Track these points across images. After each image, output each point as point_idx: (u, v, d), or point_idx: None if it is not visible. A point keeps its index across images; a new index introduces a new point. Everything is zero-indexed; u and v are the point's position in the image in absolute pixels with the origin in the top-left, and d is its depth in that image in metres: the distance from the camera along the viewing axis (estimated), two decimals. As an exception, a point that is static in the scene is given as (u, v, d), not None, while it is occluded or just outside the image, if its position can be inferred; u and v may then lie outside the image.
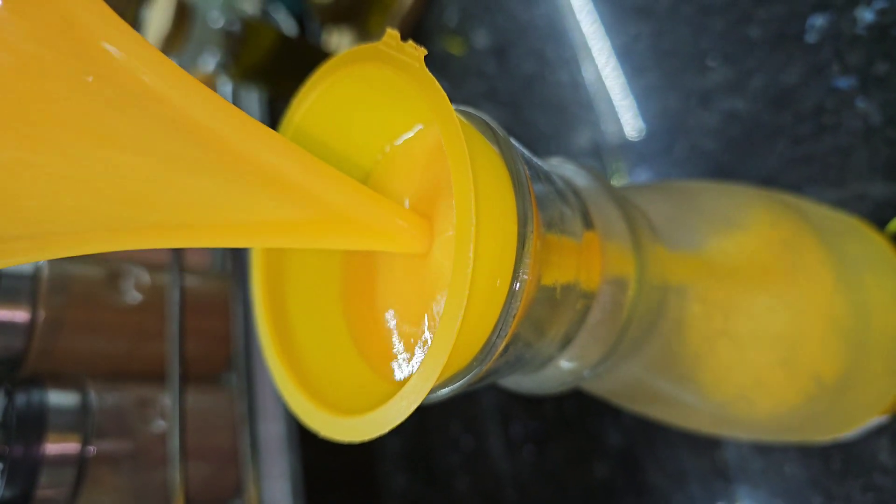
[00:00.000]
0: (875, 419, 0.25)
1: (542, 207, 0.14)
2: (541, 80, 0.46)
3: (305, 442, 0.51)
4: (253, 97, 0.63)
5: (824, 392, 0.20)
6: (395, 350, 0.14)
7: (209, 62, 0.50)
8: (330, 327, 0.16)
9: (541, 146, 0.44)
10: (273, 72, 0.58)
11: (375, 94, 0.15)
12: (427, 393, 0.11)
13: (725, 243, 0.18)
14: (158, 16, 0.49)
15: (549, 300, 0.14)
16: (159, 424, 0.29)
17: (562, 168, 0.16)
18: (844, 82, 0.31)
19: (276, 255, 0.17)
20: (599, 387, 0.19)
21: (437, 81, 0.12)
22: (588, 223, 0.15)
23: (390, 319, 0.14)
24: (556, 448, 0.40)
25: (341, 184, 0.13)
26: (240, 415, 0.31)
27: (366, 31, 0.60)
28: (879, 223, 0.28)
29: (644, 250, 0.16)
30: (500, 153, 0.13)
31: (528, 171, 0.13)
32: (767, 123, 0.33)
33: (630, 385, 0.18)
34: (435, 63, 0.55)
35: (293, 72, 0.59)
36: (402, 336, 0.14)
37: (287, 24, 0.60)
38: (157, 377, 0.31)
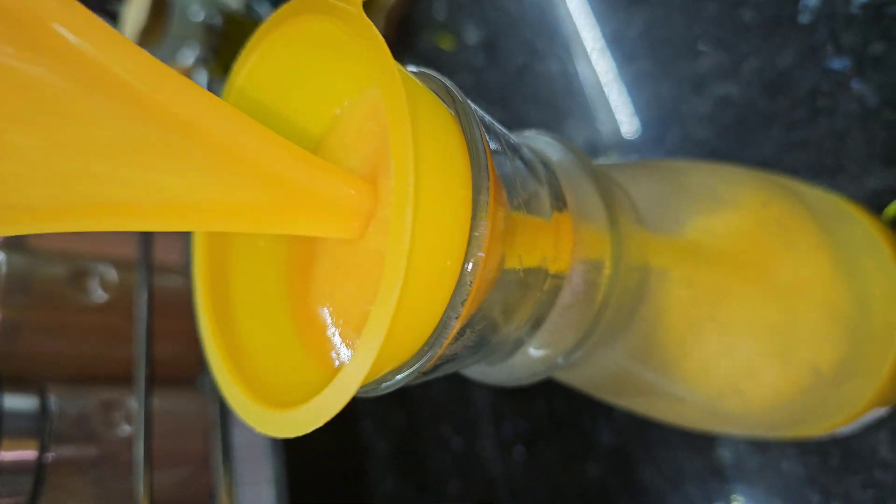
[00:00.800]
0: (874, 412, 0.23)
1: (507, 181, 0.13)
2: (532, 73, 0.45)
3: (291, 446, 0.49)
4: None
5: (821, 383, 0.19)
6: (335, 341, 0.13)
7: (188, 56, 0.48)
8: (274, 319, 0.15)
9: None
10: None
11: (320, 50, 0.13)
12: (359, 383, 0.10)
13: (714, 223, 0.17)
14: (135, 9, 0.48)
15: (514, 281, 0.12)
16: (125, 429, 0.28)
17: (535, 140, 0.15)
18: (839, 63, 0.29)
19: (220, 242, 0.15)
20: (580, 378, 0.17)
21: (375, 28, 0.11)
22: (559, 199, 0.14)
23: (332, 308, 0.13)
24: (548, 448, 0.39)
25: (282, 149, 0.11)
26: (211, 419, 0.30)
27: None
28: (878, 208, 0.26)
29: (622, 230, 0.14)
30: (457, 118, 0.12)
31: (487, 139, 0.12)
32: (762, 109, 0.32)
33: (613, 376, 0.17)
34: (425, 58, 0.54)
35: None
36: (343, 326, 0.13)
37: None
38: (125, 380, 0.29)
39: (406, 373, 0.12)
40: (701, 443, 0.32)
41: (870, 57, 0.29)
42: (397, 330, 0.10)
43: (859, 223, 0.19)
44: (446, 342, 0.11)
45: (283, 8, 0.13)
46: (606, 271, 0.14)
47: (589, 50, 0.41)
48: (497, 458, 0.44)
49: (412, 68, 0.13)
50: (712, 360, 0.17)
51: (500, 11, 0.49)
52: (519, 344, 0.14)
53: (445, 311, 0.11)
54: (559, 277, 0.13)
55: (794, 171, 0.30)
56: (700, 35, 0.35)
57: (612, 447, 0.36)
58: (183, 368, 0.33)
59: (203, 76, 0.49)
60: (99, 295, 0.31)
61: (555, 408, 0.39)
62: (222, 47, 0.51)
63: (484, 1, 0.51)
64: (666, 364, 0.17)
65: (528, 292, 0.13)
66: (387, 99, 0.10)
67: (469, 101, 0.13)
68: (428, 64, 0.52)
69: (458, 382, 0.46)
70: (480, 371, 0.15)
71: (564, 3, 0.44)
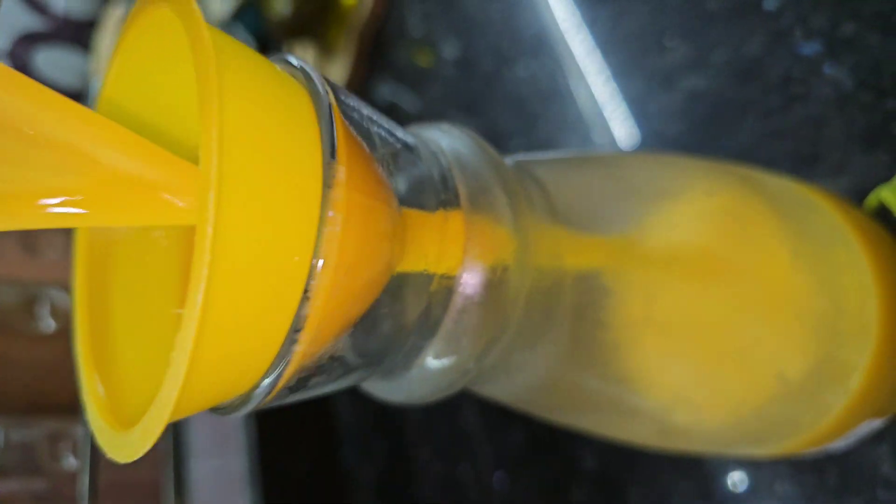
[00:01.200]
0: (866, 424, 0.21)
1: (385, 172, 0.11)
2: (500, 79, 0.44)
3: (270, 476, 0.47)
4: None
5: (790, 391, 0.17)
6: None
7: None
8: (155, 333, 0.13)
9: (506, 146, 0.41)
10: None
11: (172, 46, 0.12)
12: (172, 402, 0.08)
13: (649, 216, 0.15)
14: (107, 41, 0.48)
15: (389, 282, 0.11)
16: (71, 462, 0.27)
17: (434, 132, 0.14)
18: (809, 48, 0.28)
19: (103, 253, 0.14)
20: (512, 392, 0.16)
21: (193, 2, 0.09)
22: (449, 194, 0.12)
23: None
24: (529, 476, 0.37)
25: (98, 129, 0.10)
26: (163, 449, 0.28)
27: (327, 45, 0.58)
28: (859, 197, 0.24)
29: (530, 227, 0.13)
30: (313, 102, 0.11)
31: (340, 115, 0.10)
32: (733, 99, 0.30)
33: (546, 387, 0.15)
34: (405, 76, 0.52)
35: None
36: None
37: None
38: (73, 410, 0.28)
39: (260, 389, 0.10)
40: (689, 464, 0.30)
41: (840, 39, 0.27)
42: (216, 341, 0.09)
43: (828, 214, 0.17)
44: (297, 354, 0.10)
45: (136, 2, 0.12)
46: (509, 272, 0.12)
47: (559, 51, 0.39)
48: (477, 484, 0.41)
49: (287, 57, 0.12)
50: (653, 366, 0.15)
51: (469, 20, 0.48)
52: (412, 353, 0.12)
53: (294, 319, 0.10)
54: (448, 278, 0.12)
55: (770, 162, 0.29)
56: (666, 28, 0.33)
57: (597, 472, 0.34)
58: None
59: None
60: (48, 324, 0.30)
61: (534, 432, 0.37)
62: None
63: (454, 11, 0.49)
64: (601, 372, 0.15)
65: (409, 295, 0.11)
66: (197, 70, 0.09)
67: (339, 88, 0.12)
68: (410, 82, 0.51)
69: (440, 407, 0.44)
70: (379, 387, 0.13)
71: (543, 9, 0.42)
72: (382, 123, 0.12)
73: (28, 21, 0.46)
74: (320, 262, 0.09)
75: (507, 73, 0.43)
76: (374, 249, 0.11)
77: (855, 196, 0.25)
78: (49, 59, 0.46)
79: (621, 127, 0.35)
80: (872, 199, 0.24)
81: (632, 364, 0.15)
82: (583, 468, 0.34)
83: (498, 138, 0.43)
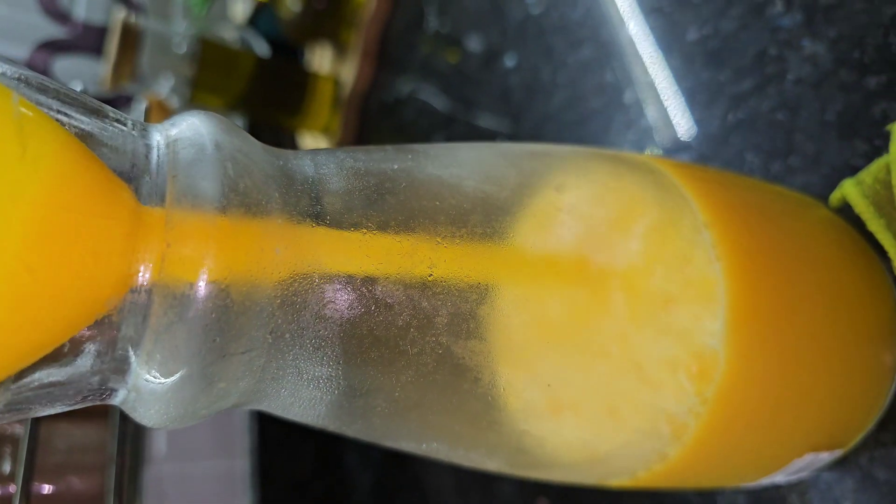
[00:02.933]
0: (809, 456, 0.18)
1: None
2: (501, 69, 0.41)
3: (271, 479, 0.47)
4: (238, 125, 0.62)
5: (622, 424, 0.14)
6: None
7: (163, 86, 0.49)
8: None
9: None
10: (255, 98, 0.56)
11: None
12: None
13: (441, 206, 0.13)
14: (112, 46, 0.49)
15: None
16: (5, 468, 0.27)
17: (171, 120, 0.12)
18: (788, 20, 0.24)
19: None
20: (351, 423, 0.14)
21: None
22: (148, 188, 0.10)
23: None
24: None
25: None
26: (109, 453, 0.28)
27: (341, 44, 0.57)
28: (832, 189, 0.21)
29: (272, 228, 0.11)
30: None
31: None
32: (704, 82, 0.27)
33: (398, 415, 0.13)
34: (434, 73, 0.51)
35: (277, 96, 0.58)
36: None
37: (261, 48, 0.59)
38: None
39: None
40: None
41: (822, 7, 0.23)
42: None
43: (689, 209, 0.14)
44: None
45: None
46: (230, 285, 0.11)
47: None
48: (479, 489, 0.39)
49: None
50: (499, 392, 0.13)
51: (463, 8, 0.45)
52: (122, 373, 0.11)
53: None
54: (140, 291, 0.10)
55: (740, 152, 0.25)
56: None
57: None
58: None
59: (177, 104, 0.49)
60: None
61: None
62: (199, 75, 0.51)
63: (472, 5, 0.47)
64: (447, 397, 0.13)
65: (76, 309, 0.10)
66: None
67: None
68: (437, 78, 0.49)
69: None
70: (136, 410, 0.12)
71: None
72: (68, 111, 0.10)
73: (48, 29, 0.48)
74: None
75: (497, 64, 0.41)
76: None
77: (829, 189, 0.21)
78: (67, 66, 0.48)
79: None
80: (837, 196, 0.20)
81: (477, 390, 0.13)
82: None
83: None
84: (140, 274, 0.10)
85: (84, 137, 0.10)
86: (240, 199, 0.11)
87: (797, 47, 0.24)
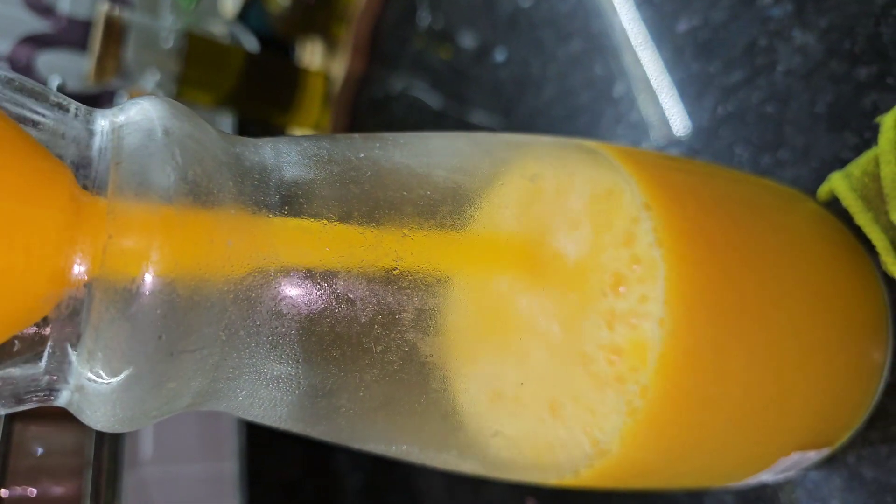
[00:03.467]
0: (796, 455, 0.17)
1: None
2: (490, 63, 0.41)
3: (259, 481, 0.47)
4: (227, 122, 0.62)
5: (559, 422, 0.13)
6: None
7: (148, 81, 0.48)
8: None
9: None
10: (245, 94, 0.56)
11: None
12: None
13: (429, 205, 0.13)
14: (96, 39, 0.48)
15: None
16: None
17: (119, 107, 0.11)
18: (779, 10, 0.24)
19: None
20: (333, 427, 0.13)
21: None
22: (90, 176, 0.10)
23: None
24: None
25: None
26: (87, 456, 0.28)
27: (332, 39, 0.57)
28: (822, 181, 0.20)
29: (227, 219, 0.10)
30: None
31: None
32: (694, 74, 0.26)
33: (368, 415, 0.13)
34: (425, 68, 0.50)
35: (267, 92, 0.57)
36: None
37: (251, 43, 0.58)
38: None
39: None
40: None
41: (812, -3, 0.23)
42: None
43: (631, 191, 0.14)
44: None
45: None
46: (184, 276, 0.10)
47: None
48: (473, 488, 0.39)
49: None
50: (462, 387, 0.12)
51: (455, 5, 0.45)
52: (65, 374, 0.10)
53: None
54: (79, 286, 0.09)
55: (729, 146, 0.25)
56: (632, -1, 0.30)
57: None
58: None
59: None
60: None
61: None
62: (186, 71, 0.50)
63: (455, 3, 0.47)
64: (416, 394, 0.12)
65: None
66: None
67: None
68: (429, 74, 0.49)
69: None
70: (83, 413, 0.11)
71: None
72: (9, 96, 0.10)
73: (32, 23, 0.47)
74: None
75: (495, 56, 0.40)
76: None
77: (819, 182, 0.21)
78: (51, 61, 0.47)
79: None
80: (825, 189, 0.20)
81: (445, 388, 0.12)
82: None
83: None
84: (78, 267, 0.10)
85: (22, 121, 0.10)
86: (188, 188, 0.10)
87: (787, 38, 0.23)
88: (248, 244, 0.11)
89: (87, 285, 0.10)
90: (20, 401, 0.10)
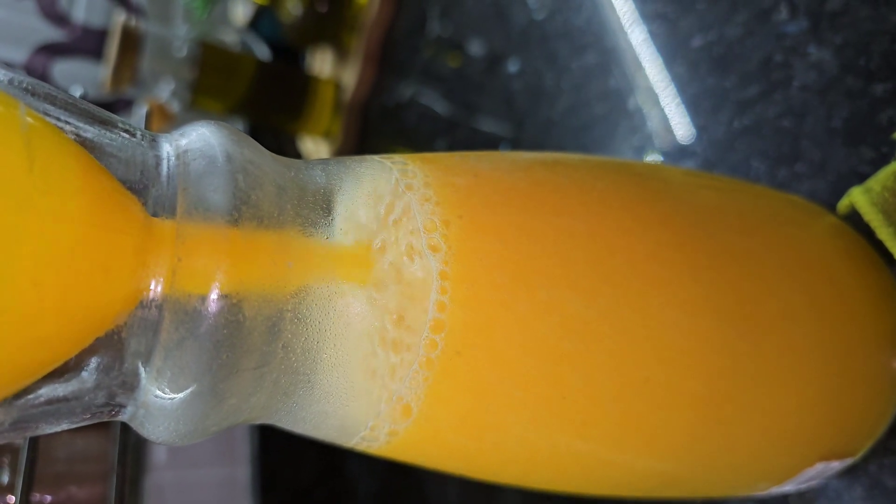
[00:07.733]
0: (820, 465, 0.18)
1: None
2: (502, 74, 0.41)
3: (273, 485, 0.47)
4: (238, 129, 0.62)
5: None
6: None
7: (164, 90, 0.48)
8: None
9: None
10: (256, 102, 0.56)
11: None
12: None
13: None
14: (112, 48, 0.48)
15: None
16: (2, 479, 0.27)
17: (180, 131, 0.12)
18: (794, 27, 0.24)
19: None
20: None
21: None
22: (158, 200, 0.10)
23: None
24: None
25: None
26: (110, 462, 0.28)
27: (343, 48, 0.57)
28: (840, 196, 0.21)
29: (273, 243, 0.11)
30: None
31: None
32: (710, 88, 0.27)
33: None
34: (436, 77, 0.50)
35: (278, 100, 0.57)
36: None
37: (262, 51, 0.59)
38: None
39: None
40: None
41: (827, 14, 0.23)
42: None
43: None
44: None
45: None
46: (249, 296, 0.10)
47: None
48: (483, 493, 0.39)
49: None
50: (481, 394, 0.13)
51: (465, 13, 0.45)
52: (130, 390, 0.10)
53: None
54: (150, 306, 0.10)
55: (746, 159, 0.25)
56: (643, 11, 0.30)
57: None
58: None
59: (177, 108, 0.49)
60: None
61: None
62: (199, 79, 0.51)
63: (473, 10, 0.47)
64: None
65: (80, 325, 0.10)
66: None
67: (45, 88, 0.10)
68: (440, 82, 0.49)
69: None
70: (145, 427, 0.11)
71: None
72: (70, 119, 0.10)
73: (47, 32, 0.48)
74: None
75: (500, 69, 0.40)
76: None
77: (837, 196, 0.21)
78: (66, 70, 0.48)
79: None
80: (845, 203, 0.20)
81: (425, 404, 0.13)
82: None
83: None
84: (150, 288, 0.10)
85: (92, 148, 0.10)
86: (252, 212, 0.11)
87: (803, 54, 0.24)
88: (305, 265, 0.11)
89: (158, 306, 0.10)
90: (91, 416, 0.11)
